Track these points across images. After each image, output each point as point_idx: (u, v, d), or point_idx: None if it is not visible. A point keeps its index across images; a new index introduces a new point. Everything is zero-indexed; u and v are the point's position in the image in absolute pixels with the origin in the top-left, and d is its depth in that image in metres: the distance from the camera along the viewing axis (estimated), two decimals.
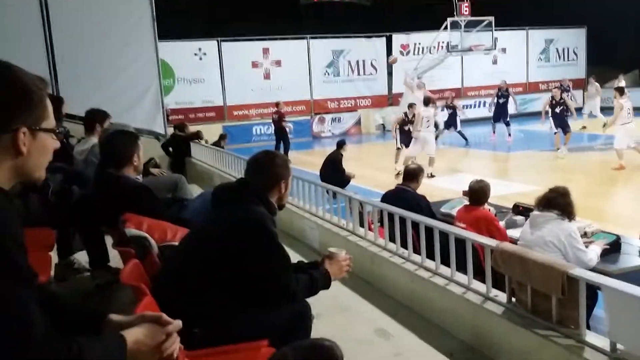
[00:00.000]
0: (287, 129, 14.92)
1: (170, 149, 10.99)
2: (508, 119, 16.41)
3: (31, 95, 1.31)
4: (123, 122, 6.24)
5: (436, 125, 13.36)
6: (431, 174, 11.04)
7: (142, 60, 11.05)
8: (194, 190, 6.94)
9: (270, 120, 18.24)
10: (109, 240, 4.09)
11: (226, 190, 2.70)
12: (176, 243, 2.90)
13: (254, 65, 20.56)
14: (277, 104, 15.70)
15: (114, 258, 4.08)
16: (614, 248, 4.20)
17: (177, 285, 2.37)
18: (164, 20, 11.45)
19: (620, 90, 12.19)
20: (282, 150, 12.42)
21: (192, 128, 12.56)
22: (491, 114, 17.00)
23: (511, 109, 17.58)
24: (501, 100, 16.74)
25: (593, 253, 3.92)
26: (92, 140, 4.95)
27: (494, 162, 13.17)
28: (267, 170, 2.63)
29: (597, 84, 19.27)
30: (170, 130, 11.94)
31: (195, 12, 22.56)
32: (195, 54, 19.76)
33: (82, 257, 4.12)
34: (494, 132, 16.66)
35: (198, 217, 3.35)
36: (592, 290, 3.15)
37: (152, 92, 11.29)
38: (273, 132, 15.40)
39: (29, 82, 1.31)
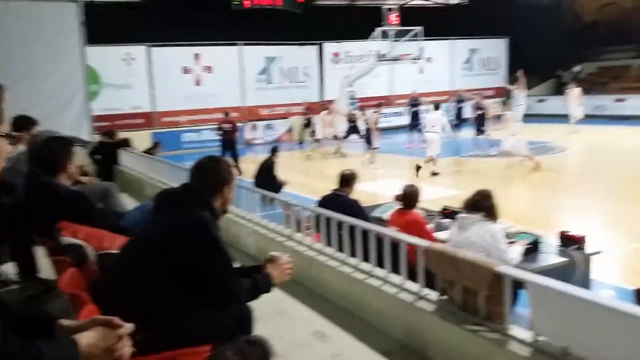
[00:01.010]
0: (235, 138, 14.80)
1: (98, 156, 10.66)
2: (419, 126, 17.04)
3: None
4: (51, 129, 6.03)
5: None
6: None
7: (69, 66, 10.73)
8: (124, 200, 6.78)
9: (209, 128, 18.24)
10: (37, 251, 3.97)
11: (170, 195, 2.70)
12: (115, 251, 2.88)
13: (185, 71, 20.30)
14: (226, 114, 15.51)
15: (43, 268, 3.98)
16: (534, 247, 4.49)
17: (120, 292, 2.36)
18: (91, 25, 11.13)
19: (435, 105, 13.88)
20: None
21: (120, 135, 12.24)
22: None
23: (467, 113, 18.16)
24: (413, 109, 17.41)
25: (515, 252, 4.19)
26: (20, 148, 4.77)
27: (422, 168, 13.61)
28: (212, 175, 2.66)
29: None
30: (97, 137, 11.60)
31: (124, 16, 21.95)
32: (124, 59, 19.28)
33: (9, 269, 3.96)
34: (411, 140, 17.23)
35: (137, 227, 3.32)
36: (513, 289, 3.36)
37: (79, 99, 10.97)
38: (221, 141, 14.75)
39: None
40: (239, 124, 20.40)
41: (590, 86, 24.79)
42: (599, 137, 17.12)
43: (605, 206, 8.92)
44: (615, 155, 13.21)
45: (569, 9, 27.20)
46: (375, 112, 16.10)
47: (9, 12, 10.33)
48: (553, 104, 23.93)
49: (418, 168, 12.00)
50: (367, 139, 14.91)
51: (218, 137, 15.12)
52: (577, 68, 26.56)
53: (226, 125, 14.67)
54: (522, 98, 17.74)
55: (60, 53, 10.60)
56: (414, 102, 17.99)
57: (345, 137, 16.65)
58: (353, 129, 16.71)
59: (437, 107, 13.49)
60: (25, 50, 9.93)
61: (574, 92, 18.48)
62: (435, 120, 12.82)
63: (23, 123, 4.98)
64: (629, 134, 17.27)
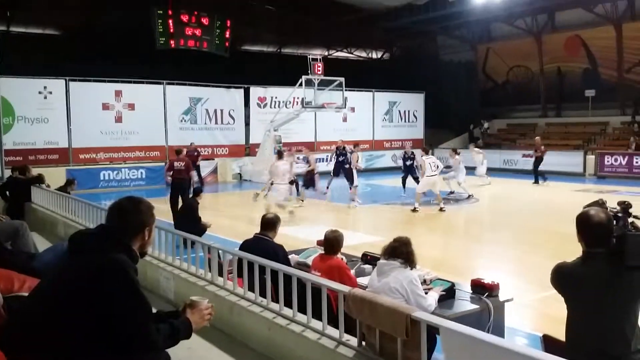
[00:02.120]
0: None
1: (7, 192, 10.10)
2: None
3: None
4: None
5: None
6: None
7: None
8: (36, 239, 6.44)
9: (129, 166, 17.67)
10: None
11: (85, 236, 2.61)
12: (25, 294, 2.74)
13: (105, 107, 19.78)
14: (178, 152, 13.10)
15: None
16: (449, 294, 4.65)
17: (30, 339, 2.25)
18: (7, 56, 10.72)
19: (425, 150, 15.34)
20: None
21: (33, 171, 11.67)
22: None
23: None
24: (340, 158, 17.71)
25: (432, 299, 4.33)
26: None
27: (342, 214, 13.86)
28: (131, 217, 2.60)
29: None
30: (7, 173, 11.01)
31: (43, 48, 21.33)
32: (40, 92, 18.54)
33: None
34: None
35: (49, 269, 3.16)
36: (432, 335, 3.45)
37: None
38: (172, 183, 12.45)
39: None
40: (157, 164, 20.19)
41: (500, 141, 26.47)
42: (508, 190, 18.16)
43: (515, 255, 9.40)
44: (523, 207, 14.03)
45: (480, 70, 29.11)
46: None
47: None
48: (467, 157, 25.22)
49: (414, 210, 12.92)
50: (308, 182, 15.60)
51: (167, 179, 13.58)
52: (485, 124, 28.28)
53: (178, 164, 12.47)
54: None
55: None
56: (340, 150, 18.28)
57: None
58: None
59: (427, 152, 14.68)
60: None
61: (474, 150, 19.67)
62: (436, 163, 13.58)
63: None
64: (535, 187, 18.43)
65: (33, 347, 2.20)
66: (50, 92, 18.70)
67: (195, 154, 18.92)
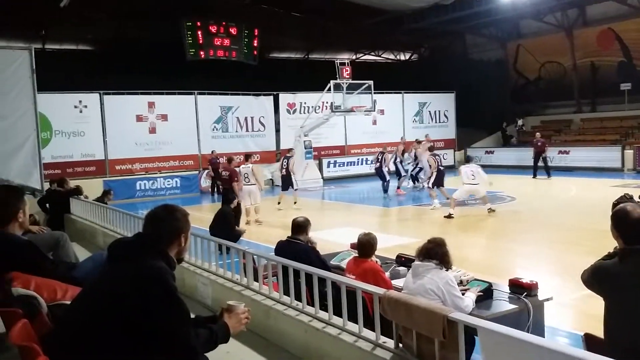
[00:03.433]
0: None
1: (47, 205, 10.40)
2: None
3: None
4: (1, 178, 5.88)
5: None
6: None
7: (18, 112, 10.52)
8: (76, 249, 6.60)
9: (163, 176, 17.94)
10: None
11: (124, 245, 2.66)
12: (67, 302, 2.81)
13: (139, 119, 20.18)
14: (229, 160, 13.44)
15: None
16: (486, 295, 4.59)
17: (73, 346, 2.30)
18: (43, 72, 11.04)
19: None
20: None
21: (71, 183, 11.99)
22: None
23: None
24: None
25: (469, 299, 4.28)
26: None
27: (377, 217, 13.81)
28: (167, 224, 2.64)
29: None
30: (47, 186, 11.33)
31: (77, 63, 21.91)
32: (76, 107, 19.04)
33: None
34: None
35: (90, 278, 3.24)
36: (470, 336, 3.42)
37: (29, 146, 10.73)
38: (220, 191, 12.79)
39: None
40: (191, 173, 20.51)
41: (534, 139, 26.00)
42: (545, 188, 17.81)
43: (552, 254, 9.22)
44: (560, 205, 13.76)
45: (511, 67, 28.68)
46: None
47: None
48: (500, 156, 24.88)
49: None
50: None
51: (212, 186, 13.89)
52: (520, 122, 27.85)
53: (225, 173, 12.74)
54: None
55: (10, 99, 10.42)
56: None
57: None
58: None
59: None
60: None
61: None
62: (471, 171, 13.13)
63: None
64: (572, 184, 18.04)
65: (77, 354, 2.25)
66: (86, 106, 19.20)
67: (218, 161, 19.39)
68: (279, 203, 15.11)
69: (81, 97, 19.15)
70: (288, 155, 15.85)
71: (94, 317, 2.37)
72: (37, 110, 10.91)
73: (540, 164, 19.94)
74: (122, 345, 2.34)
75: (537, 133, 21.51)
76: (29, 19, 20.01)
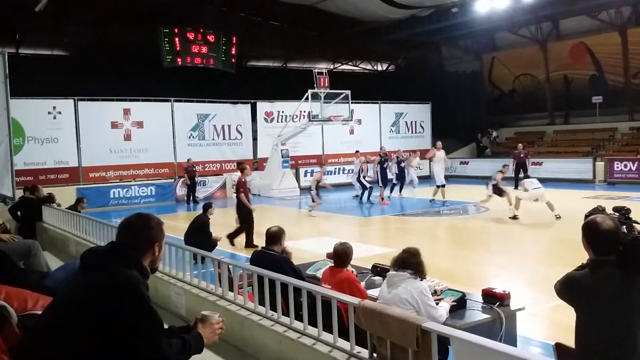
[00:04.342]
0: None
1: (19, 212, 10.20)
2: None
3: None
4: None
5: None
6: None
7: None
8: (47, 258, 6.49)
9: (138, 184, 17.78)
10: None
11: (96, 254, 2.62)
12: (39, 312, 2.76)
13: (114, 125, 19.97)
14: (241, 170, 11.93)
15: None
16: (460, 304, 4.63)
17: (44, 356, 2.27)
18: (16, 77, 10.84)
19: None
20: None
21: (44, 190, 11.79)
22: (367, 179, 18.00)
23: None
24: (385, 165, 18.04)
25: (443, 309, 4.32)
26: None
27: (354, 226, 13.86)
28: (141, 233, 2.62)
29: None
30: (19, 193, 11.11)
31: (51, 69, 21.60)
32: (49, 113, 18.77)
33: None
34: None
35: (62, 287, 3.19)
36: (444, 345, 3.44)
37: (1, 152, 10.48)
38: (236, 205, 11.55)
39: None
40: (167, 181, 20.34)
41: (507, 150, 26.42)
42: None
43: (525, 265, 9.34)
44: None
45: (486, 79, 29.14)
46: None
47: None
48: (475, 167, 25.21)
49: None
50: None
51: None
52: (494, 133, 28.26)
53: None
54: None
55: None
56: (383, 157, 18.58)
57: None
58: None
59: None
60: None
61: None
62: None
63: None
64: (546, 195, 18.29)
65: None
66: (60, 112, 18.93)
67: (194, 169, 19.69)
68: (310, 210, 15.37)
69: (55, 103, 18.88)
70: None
71: (65, 327, 2.34)
72: (9, 116, 10.69)
73: (521, 174, 20.15)
74: (94, 355, 2.31)
75: (519, 144, 21.78)
76: (2, 22, 19.68)
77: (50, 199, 10.71)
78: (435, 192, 17.12)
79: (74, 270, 2.93)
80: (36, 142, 18.40)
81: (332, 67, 29.62)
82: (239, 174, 13.16)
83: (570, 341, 3.18)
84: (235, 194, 13.13)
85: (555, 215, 13.09)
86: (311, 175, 19.91)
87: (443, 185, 17.09)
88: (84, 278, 2.54)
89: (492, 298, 4.66)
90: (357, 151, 20.83)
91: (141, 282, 2.48)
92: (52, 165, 18.80)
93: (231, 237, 11.13)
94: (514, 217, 13.17)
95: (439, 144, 18.47)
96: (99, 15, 21.61)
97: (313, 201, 15.75)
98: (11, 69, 10.57)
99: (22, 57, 22.05)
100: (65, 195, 14.28)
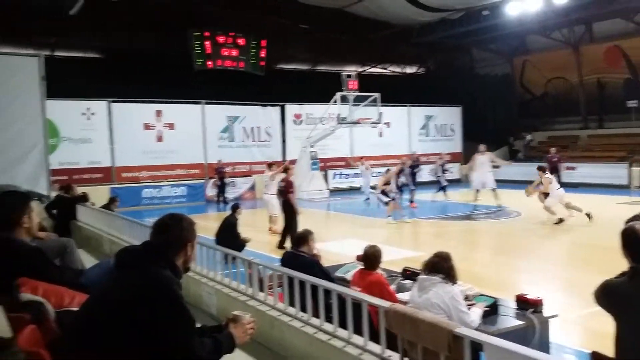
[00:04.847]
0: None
1: (54, 211, 10.43)
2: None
3: None
4: (8, 183, 5.91)
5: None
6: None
7: (27, 118, 10.58)
8: (82, 256, 6.61)
9: (170, 184, 18.06)
10: None
11: (131, 253, 2.67)
12: (75, 308, 2.82)
13: (146, 127, 20.31)
14: (285, 170, 12.21)
15: None
16: (492, 310, 4.57)
17: (80, 352, 2.31)
18: (52, 79, 11.11)
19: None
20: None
21: (78, 190, 12.04)
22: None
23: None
24: (415, 170, 17.91)
25: (475, 315, 4.26)
26: None
27: (382, 229, 13.78)
28: (174, 233, 2.66)
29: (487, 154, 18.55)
30: (54, 192, 11.38)
31: (85, 71, 22.05)
32: (83, 114, 19.18)
33: None
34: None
35: (97, 285, 3.25)
36: (475, 351, 3.40)
37: (37, 152, 10.77)
38: (281, 204, 11.67)
39: None
40: (197, 182, 20.58)
41: (541, 154, 25.95)
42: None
43: (558, 271, 9.17)
44: (567, 222, 13.71)
45: (517, 82, 28.71)
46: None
47: None
48: (506, 170, 24.85)
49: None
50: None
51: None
52: (528, 137, 27.80)
53: (281, 185, 11.84)
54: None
55: (19, 106, 10.50)
56: (415, 162, 18.50)
57: None
58: None
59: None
60: None
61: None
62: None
63: None
64: (579, 201, 17.95)
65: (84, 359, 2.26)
66: (93, 113, 19.33)
67: (224, 170, 19.92)
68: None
69: (89, 104, 19.29)
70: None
71: (101, 325, 2.38)
72: (45, 117, 10.97)
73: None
74: (128, 353, 2.34)
75: (552, 148, 21.28)
76: (39, 26, 20.19)
77: (84, 198, 10.93)
78: (496, 196, 16.68)
79: (109, 269, 2.97)
80: (71, 142, 18.82)
81: (361, 69, 29.57)
82: (269, 173, 13.27)
83: (607, 350, 3.11)
84: (266, 194, 13.21)
85: (586, 214, 12.87)
86: (340, 178, 19.89)
87: (493, 189, 16.85)
88: (118, 276, 2.58)
89: (526, 304, 4.59)
90: (361, 157, 20.70)
91: (174, 281, 2.52)
92: (86, 165, 19.21)
93: (282, 242, 10.86)
94: (560, 221, 12.86)
95: (482, 147, 18.13)
96: (132, 19, 21.97)
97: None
98: (47, 71, 10.86)
99: (57, 59, 22.55)
100: (99, 194, 14.55)
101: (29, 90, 10.63)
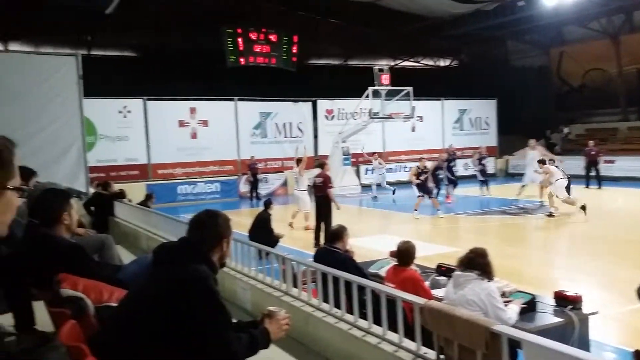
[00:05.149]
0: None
1: (92, 207, 10.67)
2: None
3: (0, 155, 1.36)
4: (48, 180, 6.06)
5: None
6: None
7: (65, 117, 10.83)
8: (119, 251, 6.75)
9: (204, 180, 18.28)
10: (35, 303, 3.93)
11: (168, 249, 2.71)
12: (113, 304, 2.87)
13: (181, 124, 20.57)
14: (321, 165, 12.06)
15: (40, 321, 3.92)
16: (530, 307, 4.48)
17: (119, 347, 2.35)
18: (89, 77, 11.35)
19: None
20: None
21: (115, 186, 12.27)
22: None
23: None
24: (451, 164, 17.50)
25: (512, 312, 4.18)
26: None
27: (415, 224, 13.67)
28: (209, 229, 2.68)
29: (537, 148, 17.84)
30: (92, 189, 11.64)
31: (121, 70, 22.47)
32: (120, 112, 19.54)
33: (6, 320, 3.90)
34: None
35: (135, 281, 3.30)
36: (512, 349, 3.34)
37: (75, 150, 11.02)
38: (316, 199, 11.37)
39: None
40: (230, 178, 20.78)
41: (579, 147, 25.32)
42: (591, 198, 17.29)
43: (597, 267, 8.94)
44: (606, 216, 13.38)
45: (554, 74, 28.05)
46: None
47: (11, 64, 10.68)
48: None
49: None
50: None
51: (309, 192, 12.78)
52: (565, 130, 27.18)
53: (317, 180, 11.43)
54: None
55: (58, 104, 10.75)
56: (451, 156, 18.18)
57: None
58: None
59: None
60: (24, 101, 10.09)
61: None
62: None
63: (22, 174, 5.01)
64: (618, 194, 17.50)
65: (122, 355, 2.30)
66: (130, 111, 19.69)
67: (256, 166, 20.10)
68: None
69: (125, 102, 19.64)
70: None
71: (139, 320, 2.42)
72: (83, 115, 11.21)
73: (592, 173, 19.32)
74: (166, 347, 2.37)
75: (591, 141, 20.69)
76: (75, 26, 20.64)
77: (121, 195, 11.14)
78: (542, 192, 15.75)
79: (146, 264, 3.02)
80: (107, 140, 19.20)
81: (393, 63, 29.34)
82: (298, 169, 13.32)
83: None
84: (296, 190, 13.24)
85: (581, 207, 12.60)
86: (372, 173, 19.75)
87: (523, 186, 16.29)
88: (156, 272, 2.61)
89: (564, 301, 4.49)
90: (373, 153, 20.41)
91: (211, 276, 2.54)
92: (123, 162, 19.59)
93: (317, 239, 10.78)
94: (583, 208, 12.57)
95: (532, 142, 17.70)
96: (165, 17, 22.27)
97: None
98: (84, 70, 11.09)
99: (93, 58, 23.03)
100: (135, 191, 14.80)
101: (67, 89, 10.87)
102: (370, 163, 20.24)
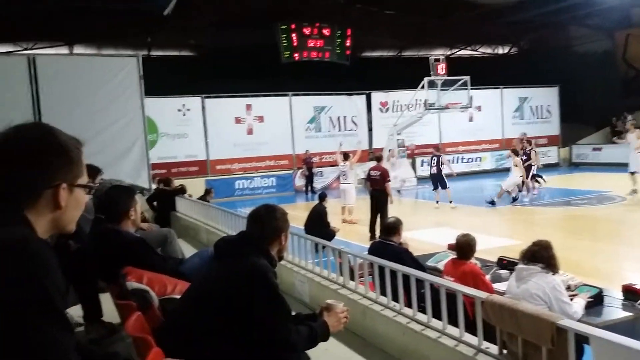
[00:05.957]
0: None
1: (155, 203, 11.01)
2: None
3: (70, 155, 1.42)
4: (114, 178, 6.29)
5: None
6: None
7: (128, 116, 11.21)
8: (182, 245, 6.94)
9: (260, 175, 18.67)
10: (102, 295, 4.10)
11: (229, 243, 2.77)
12: (177, 296, 2.95)
13: (237, 120, 20.93)
14: (378, 159, 12.22)
15: (107, 313, 4.09)
16: (597, 301, 4.32)
17: (183, 338, 2.42)
18: (149, 77, 11.69)
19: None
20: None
21: (176, 182, 12.63)
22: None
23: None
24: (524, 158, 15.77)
25: (578, 306, 4.04)
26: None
27: (475, 217, 13.39)
28: (268, 223, 2.73)
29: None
30: (154, 185, 12.01)
31: (180, 69, 23.04)
32: (179, 110, 20.06)
33: (75, 312, 4.10)
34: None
35: (196, 274, 3.38)
36: (579, 344, 3.23)
37: (138, 147, 11.39)
38: (371, 195, 11.31)
39: (69, 143, 1.42)
40: (286, 172, 20.97)
41: None
42: None
43: None
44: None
45: (620, 58, 26.74)
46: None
47: (76, 66, 11.15)
48: (609, 153, 23.33)
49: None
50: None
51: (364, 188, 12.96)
52: (629, 117, 25.88)
53: (374, 173, 11.36)
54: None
55: (121, 104, 11.14)
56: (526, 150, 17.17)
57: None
58: None
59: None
60: (88, 102, 10.52)
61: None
62: None
63: (89, 171, 5.22)
64: None
65: (186, 346, 2.36)
66: (188, 109, 20.20)
67: (311, 160, 20.26)
68: (437, 202, 14.95)
69: (184, 100, 20.16)
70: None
71: (201, 312, 2.48)
72: (144, 114, 11.58)
73: None
74: (227, 339, 2.43)
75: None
76: (136, 27, 21.29)
77: (182, 190, 11.45)
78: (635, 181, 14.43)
79: (207, 257, 3.10)
80: (168, 137, 19.79)
81: (449, 53, 28.78)
82: (344, 163, 13.28)
83: None
84: (343, 183, 13.21)
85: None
86: (429, 165, 19.28)
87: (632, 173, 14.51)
88: (217, 266, 2.68)
89: (633, 294, 4.31)
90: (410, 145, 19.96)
91: (270, 270, 2.58)
92: (183, 159, 20.15)
93: (372, 232, 10.83)
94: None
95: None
96: (221, 16, 22.63)
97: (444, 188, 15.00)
98: (144, 70, 11.44)
99: (153, 58, 23.72)
100: (195, 186, 15.18)
101: (129, 89, 11.25)
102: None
